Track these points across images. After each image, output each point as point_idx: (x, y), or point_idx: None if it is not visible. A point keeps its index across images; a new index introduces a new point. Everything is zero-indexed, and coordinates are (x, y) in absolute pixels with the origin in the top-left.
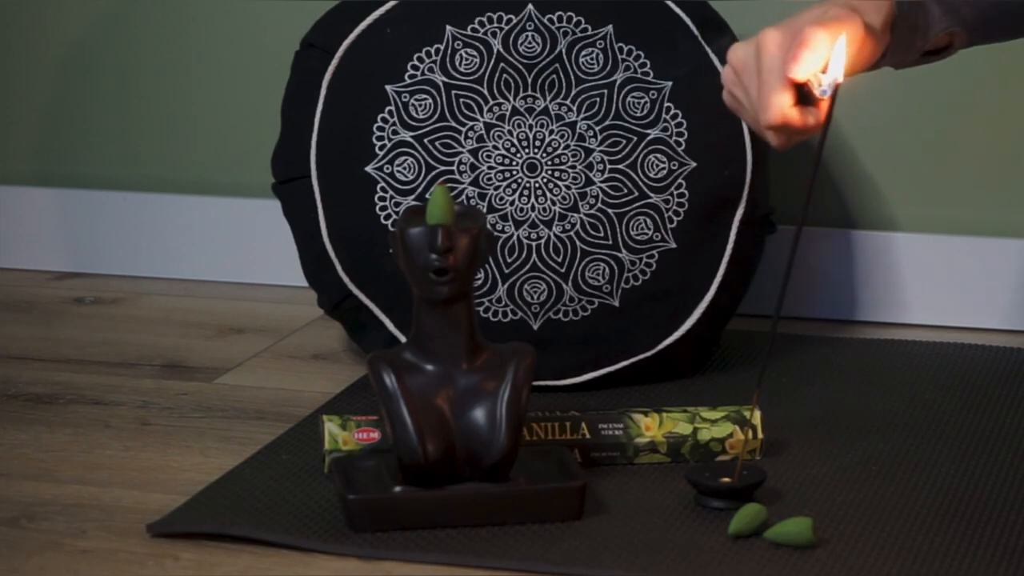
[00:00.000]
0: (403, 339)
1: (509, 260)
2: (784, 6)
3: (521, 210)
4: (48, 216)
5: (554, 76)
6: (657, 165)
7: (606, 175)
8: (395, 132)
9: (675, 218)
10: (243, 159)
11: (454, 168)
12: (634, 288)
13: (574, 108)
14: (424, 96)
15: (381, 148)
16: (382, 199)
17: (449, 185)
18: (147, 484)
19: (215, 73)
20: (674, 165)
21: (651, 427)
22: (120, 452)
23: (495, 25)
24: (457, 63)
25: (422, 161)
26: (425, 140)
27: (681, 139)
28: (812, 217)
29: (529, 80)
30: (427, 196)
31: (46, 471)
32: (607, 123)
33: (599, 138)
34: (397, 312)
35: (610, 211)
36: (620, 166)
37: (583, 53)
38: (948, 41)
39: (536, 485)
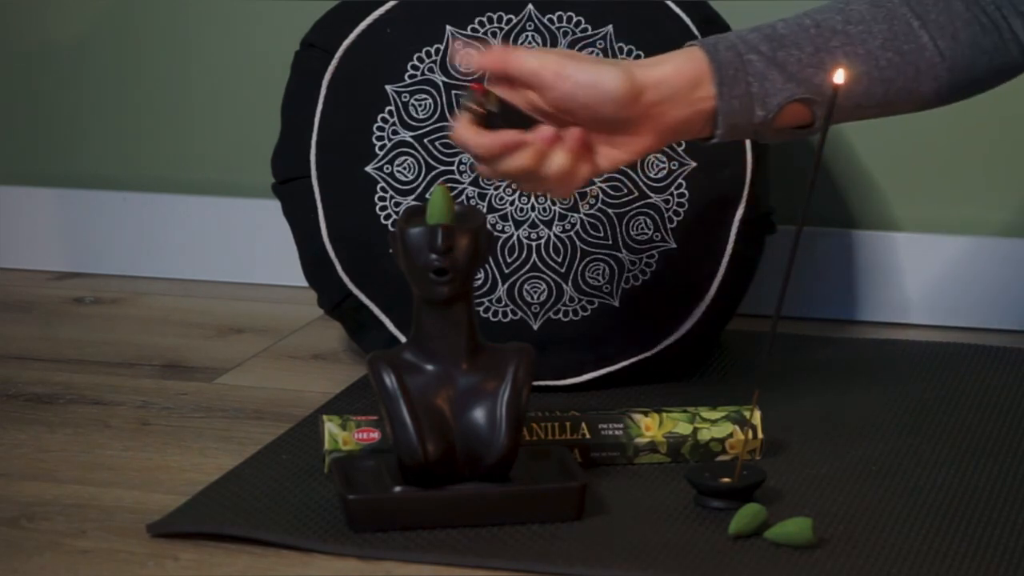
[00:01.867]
0: (403, 339)
1: (509, 260)
2: (782, 6)
3: (521, 210)
4: (48, 216)
5: None
6: (657, 165)
7: (606, 175)
8: (395, 132)
9: (675, 218)
10: (243, 159)
11: (454, 168)
12: (634, 288)
13: None
14: (424, 96)
15: (381, 148)
16: (382, 199)
17: (449, 185)
18: (147, 484)
19: (215, 73)
20: (674, 165)
21: (651, 427)
22: (120, 452)
23: (495, 25)
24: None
25: (422, 161)
26: (425, 140)
27: None
28: (812, 217)
29: None
30: (427, 196)
31: (46, 471)
32: None
33: None
34: (397, 312)
35: (610, 211)
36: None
37: (583, 53)
38: (808, 117)
39: (536, 485)
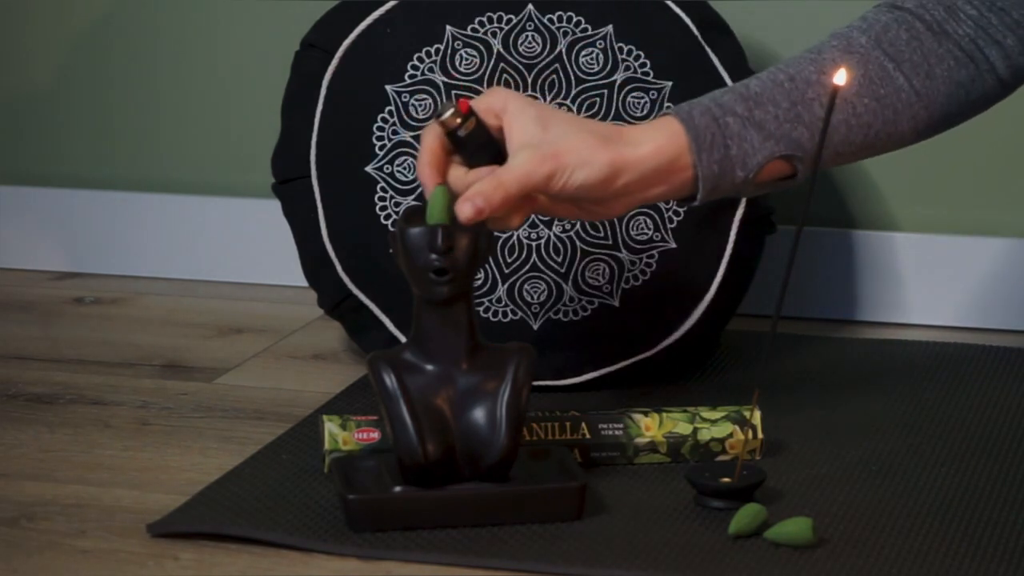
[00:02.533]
0: (403, 339)
1: (509, 260)
2: (783, 7)
3: None
4: (48, 216)
5: (554, 76)
6: None
7: None
8: (395, 132)
9: (675, 218)
10: (243, 159)
11: None
12: (634, 288)
13: (574, 108)
14: (424, 96)
15: (381, 148)
16: (382, 199)
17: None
18: (147, 484)
19: (215, 73)
20: None
21: (651, 427)
22: (120, 452)
23: (495, 25)
24: (457, 63)
25: None
26: None
27: None
28: (812, 217)
29: (529, 80)
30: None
31: (46, 471)
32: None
33: None
34: (397, 312)
35: None
36: None
37: (583, 53)
38: (790, 169)
39: (536, 485)
